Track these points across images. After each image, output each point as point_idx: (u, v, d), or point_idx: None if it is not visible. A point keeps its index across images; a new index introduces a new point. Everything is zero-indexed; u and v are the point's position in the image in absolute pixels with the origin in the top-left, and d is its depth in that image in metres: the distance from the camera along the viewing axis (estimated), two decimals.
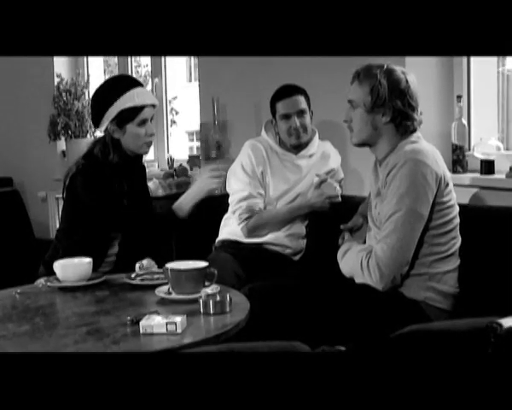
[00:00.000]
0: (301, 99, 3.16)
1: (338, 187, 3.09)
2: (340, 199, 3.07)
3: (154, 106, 2.87)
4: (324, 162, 3.22)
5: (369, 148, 2.55)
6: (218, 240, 3.26)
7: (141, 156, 2.96)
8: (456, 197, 2.48)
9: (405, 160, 2.36)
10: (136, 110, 2.79)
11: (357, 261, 2.43)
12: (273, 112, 3.22)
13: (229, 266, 2.92)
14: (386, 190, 2.40)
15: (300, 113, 3.14)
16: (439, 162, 2.41)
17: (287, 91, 3.17)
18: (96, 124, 2.88)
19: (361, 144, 2.55)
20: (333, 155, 3.26)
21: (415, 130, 2.47)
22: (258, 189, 3.15)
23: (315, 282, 2.64)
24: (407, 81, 2.44)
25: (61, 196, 3.05)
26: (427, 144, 2.47)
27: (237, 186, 3.17)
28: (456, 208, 2.47)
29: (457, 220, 2.47)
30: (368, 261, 2.38)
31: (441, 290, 2.43)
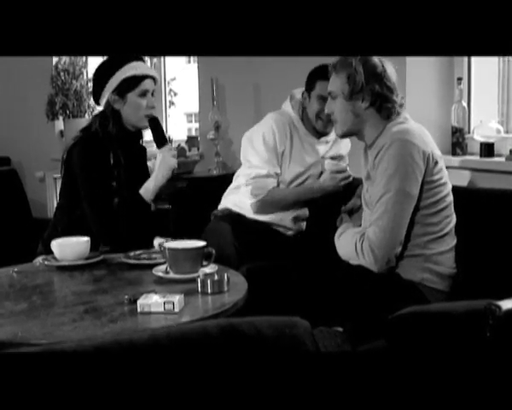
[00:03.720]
0: None
1: (347, 168, 3.10)
2: (351, 179, 3.06)
3: (154, 79, 2.85)
4: (336, 147, 3.21)
5: (356, 137, 2.55)
6: (219, 208, 3.21)
7: (140, 133, 2.93)
8: (447, 175, 2.46)
9: (392, 140, 2.36)
10: (138, 79, 2.77)
11: (351, 244, 2.43)
12: (309, 88, 3.09)
13: (228, 237, 2.89)
14: (375, 172, 2.40)
15: None
16: (426, 141, 2.40)
17: None
18: (97, 98, 2.86)
19: (346, 135, 2.57)
20: (345, 141, 3.21)
21: (399, 113, 2.46)
22: (275, 168, 3.09)
23: (313, 263, 2.64)
24: (383, 66, 2.45)
25: (58, 175, 3.03)
26: (414, 124, 2.47)
27: (256, 161, 3.09)
28: (449, 187, 2.46)
29: (450, 198, 2.46)
30: (362, 245, 2.38)
31: (438, 271, 2.43)
